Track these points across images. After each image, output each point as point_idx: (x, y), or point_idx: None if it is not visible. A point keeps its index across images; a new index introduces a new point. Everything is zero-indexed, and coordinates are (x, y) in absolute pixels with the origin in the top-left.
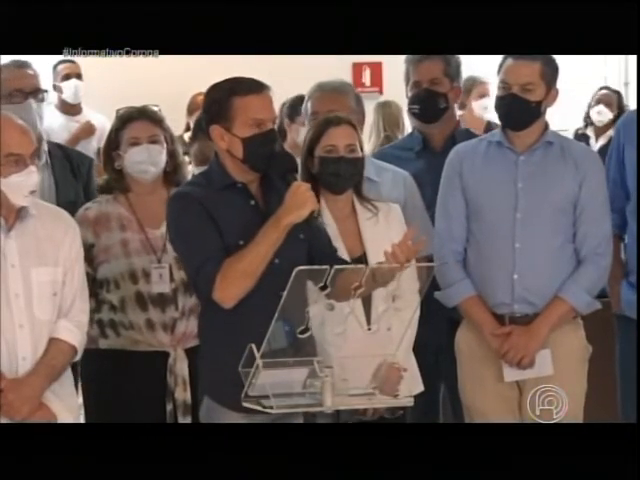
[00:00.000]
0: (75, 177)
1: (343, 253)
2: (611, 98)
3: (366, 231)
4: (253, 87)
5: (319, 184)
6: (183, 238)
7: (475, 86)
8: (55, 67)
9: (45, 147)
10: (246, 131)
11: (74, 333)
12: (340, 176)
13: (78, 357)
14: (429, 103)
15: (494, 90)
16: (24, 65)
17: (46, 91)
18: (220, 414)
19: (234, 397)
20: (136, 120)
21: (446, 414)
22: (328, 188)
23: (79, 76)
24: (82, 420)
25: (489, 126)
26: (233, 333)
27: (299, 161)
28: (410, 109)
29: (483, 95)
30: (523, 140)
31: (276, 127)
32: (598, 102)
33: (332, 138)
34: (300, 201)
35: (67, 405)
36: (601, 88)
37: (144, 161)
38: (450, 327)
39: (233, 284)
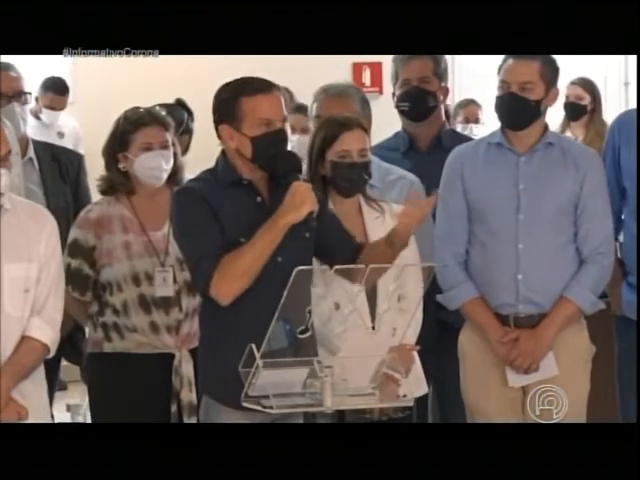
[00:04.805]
0: (63, 179)
1: None
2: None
3: (372, 230)
4: (261, 87)
5: (330, 187)
6: (184, 233)
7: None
8: (42, 91)
9: (32, 150)
10: (255, 130)
11: (46, 331)
12: (353, 181)
13: (51, 355)
14: (419, 101)
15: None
16: (7, 68)
17: (30, 93)
18: (218, 412)
19: (233, 395)
20: (149, 125)
21: (433, 414)
22: (339, 192)
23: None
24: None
25: None
26: (233, 331)
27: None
28: (399, 107)
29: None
30: (523, 141)
31: (286, 127)
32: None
33: (346, 143)
34: (299, 201)
35: (31, 405)
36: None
37: (157, 167)
38: (439, 328)
39: (229, 282)
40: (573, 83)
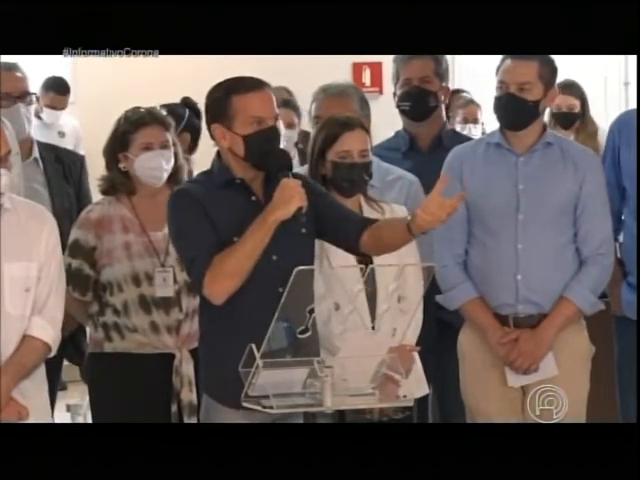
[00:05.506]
0: (67, 181)
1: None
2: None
3: None
4: (252, 85)
5: (330, 186)
6: (179, 235)
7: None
8: (43, 90)
9: (36, 151)
10: (247, 129)
11: (47, 330)
12: (354, 182)
13: (52, 354)
14: (420, 100)
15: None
16: (12, 68)
17: (35, 94)
18: (218, 412)
19: (233, 395)
20: (149, 125)
21: (433, 414)
22: (340, 192)
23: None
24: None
25: None
26: (233, 331)
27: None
28: (400, 106)
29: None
30: (522, 141)
31: (278, 124)
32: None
33: (347, 144)
34: (287, 196)
35: (32, 405)
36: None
37: (157, 167)
38: (439, 328)
39: (221, 280)
40: (562, 91)
